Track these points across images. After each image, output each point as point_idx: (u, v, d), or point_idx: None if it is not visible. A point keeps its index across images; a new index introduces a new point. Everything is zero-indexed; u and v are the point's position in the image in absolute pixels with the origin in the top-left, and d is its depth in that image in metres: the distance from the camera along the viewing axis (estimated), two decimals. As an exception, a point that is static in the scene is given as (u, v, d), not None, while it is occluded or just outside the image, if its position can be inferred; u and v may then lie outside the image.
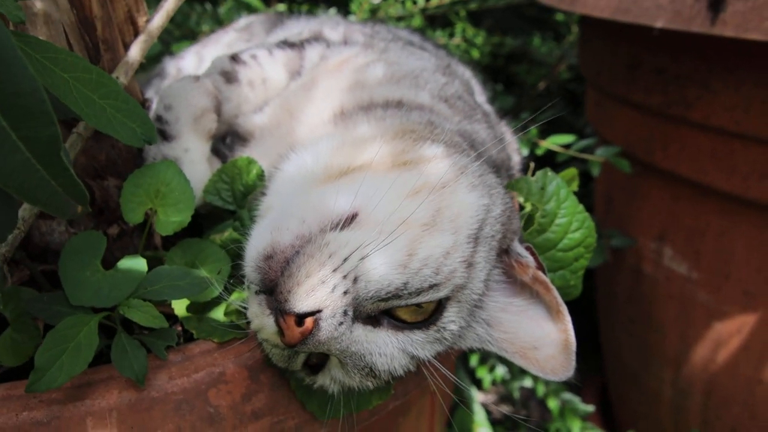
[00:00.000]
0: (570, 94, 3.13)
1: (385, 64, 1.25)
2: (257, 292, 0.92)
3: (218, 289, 0.99)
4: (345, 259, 0.87)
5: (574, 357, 1.01)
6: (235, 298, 1.02)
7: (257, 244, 0.91)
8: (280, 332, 0.87)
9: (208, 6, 2.76)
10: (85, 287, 0.92)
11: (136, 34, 1.14)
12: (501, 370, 2.24)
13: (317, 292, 0.86)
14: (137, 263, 0.96)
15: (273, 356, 0.96)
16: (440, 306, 0.95)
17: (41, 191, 0.67)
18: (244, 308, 0.97)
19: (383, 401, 1.06)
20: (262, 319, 0.91)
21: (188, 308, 1.04)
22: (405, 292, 0.89)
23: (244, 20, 1.99)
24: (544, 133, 1.99)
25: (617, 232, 2.10)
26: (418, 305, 0.93)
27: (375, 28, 1.59)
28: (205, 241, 1.07)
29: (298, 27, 1.59)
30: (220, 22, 2.60)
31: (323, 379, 0.97)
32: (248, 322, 1.00)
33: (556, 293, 1.02)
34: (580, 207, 1.11)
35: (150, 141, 0.92)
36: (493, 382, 2.24)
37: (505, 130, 1.53)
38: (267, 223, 0.95)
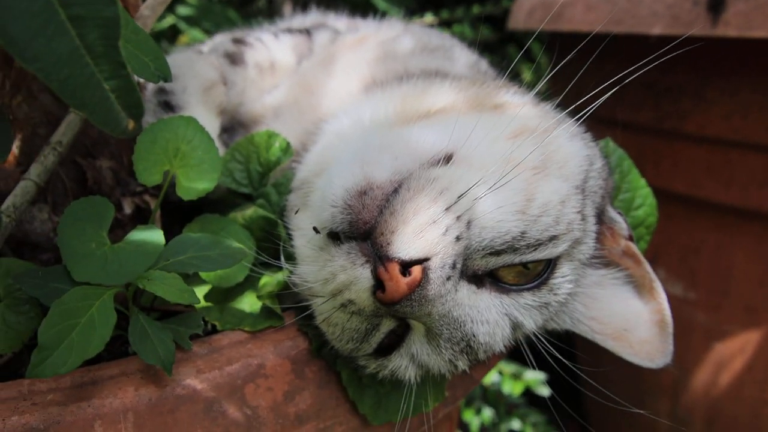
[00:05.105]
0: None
1: (413, 36, 1.14)
2: (338, 242, 0.75)
3: (249, 256, 0.82)
4: (459, 197, 0.72)
5: (671, 340, 0.89)
6: (267, 281, 0.85)
7: (343, 181, 0.74)
8: (379, 286, 0.70)
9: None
10: (91, 261, 0.73)
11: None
12: (488, 413, 2.09)
13: (427, 234, 0.70)
14: (153, 234, 0.78)
15: (342, 333, 0.78)
16: (551, 264, 0.82)
17: (89, 92, 0.52)
18: (291, 277, 0.80)
19: (439, 403, 0.91)
20: (352, 272, 0.72)
21: (206, 297, 0.87)
22: (522, 243, 0.76)
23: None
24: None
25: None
26: (527, 265, 0.79)
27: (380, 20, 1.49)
28: (226, 219, 0.90)
29: (297, 20, 1.47)
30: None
31: (398, 361, 0.80)
32: (287, 308, 0.84)
33: (648, 267, 0.91)
34: (643, 181, 1.02)
35: (165, 78, 0.77)
36: (481, 426, 2.09)
37: None
38: (349, 159, 0.78)
